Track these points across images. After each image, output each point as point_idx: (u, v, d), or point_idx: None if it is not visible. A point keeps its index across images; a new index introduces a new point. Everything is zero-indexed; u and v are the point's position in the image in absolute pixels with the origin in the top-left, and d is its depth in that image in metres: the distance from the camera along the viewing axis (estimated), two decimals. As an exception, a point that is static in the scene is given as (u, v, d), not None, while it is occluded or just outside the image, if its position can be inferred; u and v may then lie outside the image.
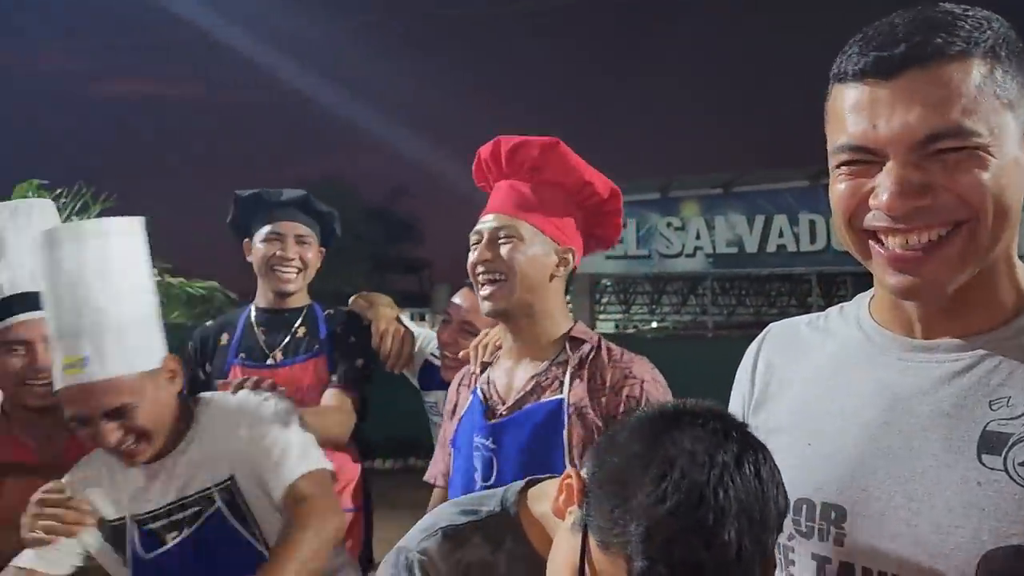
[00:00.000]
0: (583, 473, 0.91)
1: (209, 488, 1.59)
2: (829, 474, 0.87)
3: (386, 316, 2.39)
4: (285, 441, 1.60)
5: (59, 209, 4.52)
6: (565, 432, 1.46)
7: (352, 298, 2.52)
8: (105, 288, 1.53)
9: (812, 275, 18.16)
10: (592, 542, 0.85)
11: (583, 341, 1.56)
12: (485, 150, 1.67)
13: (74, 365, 1.48)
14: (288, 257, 2.26)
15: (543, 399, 1.51)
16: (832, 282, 18.97)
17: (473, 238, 1.67)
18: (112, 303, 1.53)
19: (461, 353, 1.99)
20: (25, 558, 1.54)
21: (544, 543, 1.01)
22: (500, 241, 1.60)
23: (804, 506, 0.89)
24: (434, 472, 1.78)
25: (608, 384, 1.47)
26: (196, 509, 1.59)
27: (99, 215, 4.75)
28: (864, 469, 0.85)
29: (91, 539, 1.59)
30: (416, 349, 2.39)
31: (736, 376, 1.07)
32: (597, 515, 0.85)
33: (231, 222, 2.37)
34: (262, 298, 2.35)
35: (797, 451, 0.90)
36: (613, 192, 1.66)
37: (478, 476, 1.53)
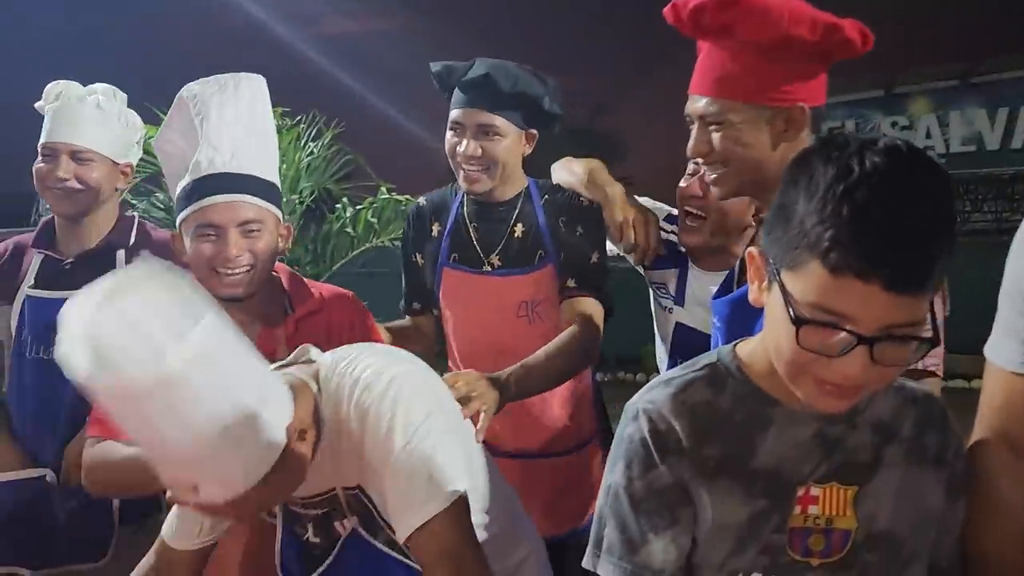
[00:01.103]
0: (759, 247, 1.02)
1: (334, 491, 1.34)
2: None
3: (620, 198, 2.02)
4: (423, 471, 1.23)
5: (298, 135, 4.97)
6: None
7: (557, 167, 2.16)
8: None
9: (1066, 173, 16.06)
10: (786, 278, 0.93)
11: None
12: (669, 15, 1.47)
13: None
14: (467, 154, 1.95)
15: None
16: (1091, 180, 16.67)
17: (688, 118, 1.51)
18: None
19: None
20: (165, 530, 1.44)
21: (766, 378, 1.04)
22: (710, 129, 1.45)
23: None
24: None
25: None
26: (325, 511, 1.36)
27: (330, 141, 5.11)
28: None
29: None
30: None
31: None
32: (782, 252, 0.94)
33: (446, 96, 2.05)
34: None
35: None
36: (828, 29, 1.38)
37: None
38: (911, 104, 17.34)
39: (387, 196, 5.04)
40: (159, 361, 0.94)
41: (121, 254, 2.17)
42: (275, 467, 1.13)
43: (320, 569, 1.37)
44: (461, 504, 1.24)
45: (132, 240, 2.23)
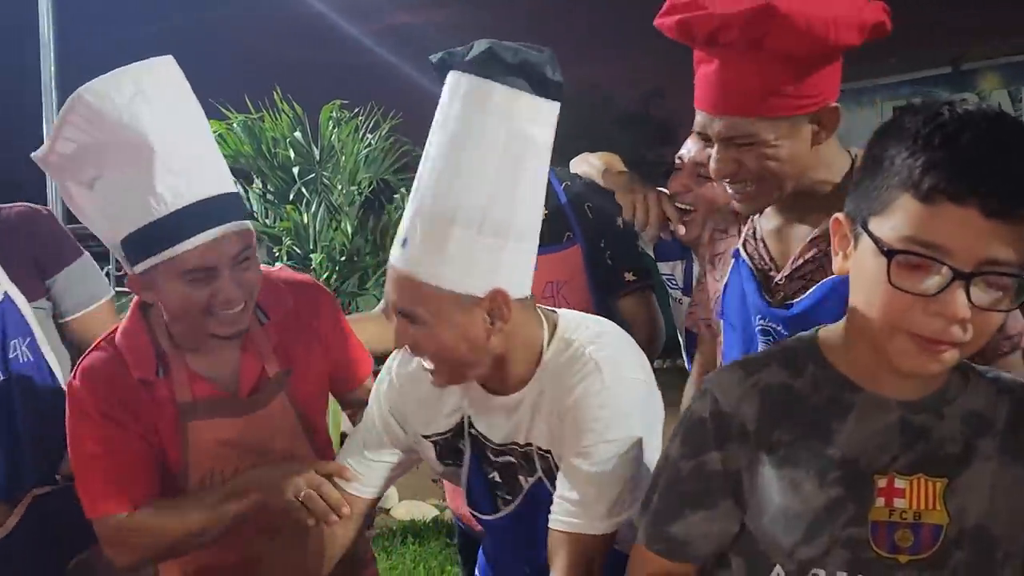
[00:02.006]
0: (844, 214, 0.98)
1: (531, 446, 1.33)
2: None
3: (624, 178, 1.98)
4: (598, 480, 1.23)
5: (356, 127, 5.05)
6: None
7: (576, 162, 2.09)
8: (494, 180, 1.21)
9: None
10: (874, 225, 0.90)
11: None
12: (673, 30, 1.29)
13: (397, 244, 1.25)
14: None
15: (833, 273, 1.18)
16: None
17: (698, 133, 1.36)
18: (493, 198, 1.21)
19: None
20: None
21: (848, 363, 1.00)
22: (739, 147, 1.30)
23: None
24: (694, 318, 1.61)
25: None
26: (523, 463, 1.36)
27: (388, 131, 5.17)
28: None
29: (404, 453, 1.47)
30: None
31: None
32: (869, 201, 0.91)
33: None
34: None
35: None
36: (875, 28, 1.25)
37: None
38: (980, 80, 16.60)
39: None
40: None
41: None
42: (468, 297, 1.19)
43: (507, 509, 1.40)
44: (607, 540, 1.24)
45: None
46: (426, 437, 1.44)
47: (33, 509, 1.73)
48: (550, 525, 1.26)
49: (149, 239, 1.34)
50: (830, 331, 1.05)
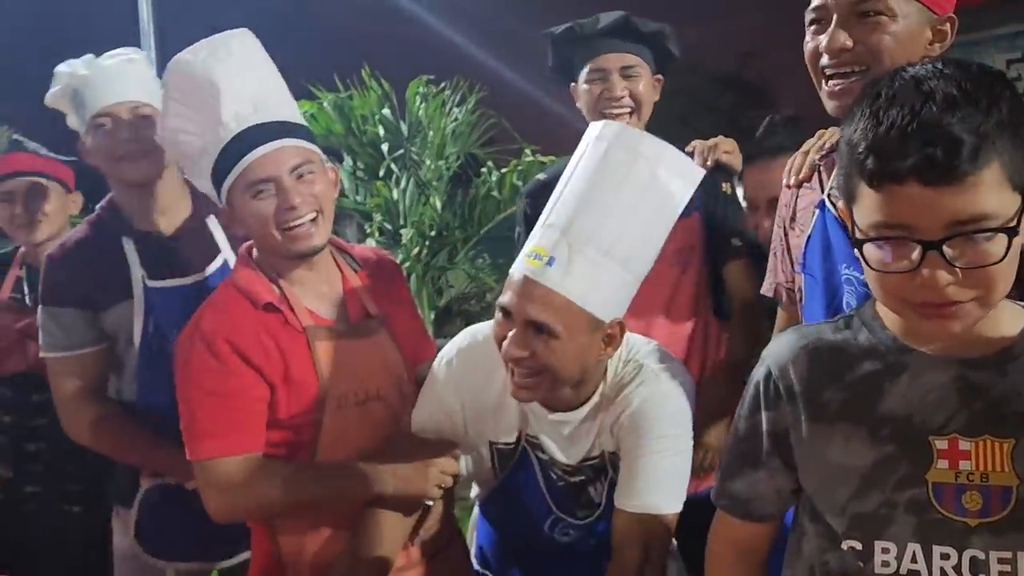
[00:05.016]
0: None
1: (604, 454, 1.45)
2: None
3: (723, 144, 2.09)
4: (654, 466, 1.36)
5: (442, 102, 5.08)
6: None
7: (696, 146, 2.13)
8: (631, 218, 1.32)
9: None
10: (855, 213, 0.93)
11: None
12: None
13: (539, 257, 1.31)
14: (615, 96, 1.95)
15: None
16: None
17: (812, 15, 1.29)
18: (627, 235, 1.32)
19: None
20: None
21: (902, 325, 0.99)
22: (862, 22, 1.24)
23: None
24: (771, 283, 1.60)
25: None
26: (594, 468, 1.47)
27: (474, 105, 5.18)
28: None
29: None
30: None
31: None
32: (843, 189, 0.96)
33: (553, 67, 2.08)
34: None
35: None
36: None
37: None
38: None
39: (532, 158, 5.07)
40: None
41: (213, 221, 1.89)
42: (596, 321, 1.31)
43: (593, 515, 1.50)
44: (670, 521, 1.36)
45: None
46: (492, 443, 1.50)
47: None
48: (618, 506, 1.37)
49: (221, 164, 1.48)
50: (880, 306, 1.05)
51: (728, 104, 22.69)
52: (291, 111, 1.56)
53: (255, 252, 1.56)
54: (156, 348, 1.75)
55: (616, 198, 1.32)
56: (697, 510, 1.33)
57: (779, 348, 1.08)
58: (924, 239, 0.86)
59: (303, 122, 1.57)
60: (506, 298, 1.33)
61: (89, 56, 1.86)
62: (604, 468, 1.46)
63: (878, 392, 0.99)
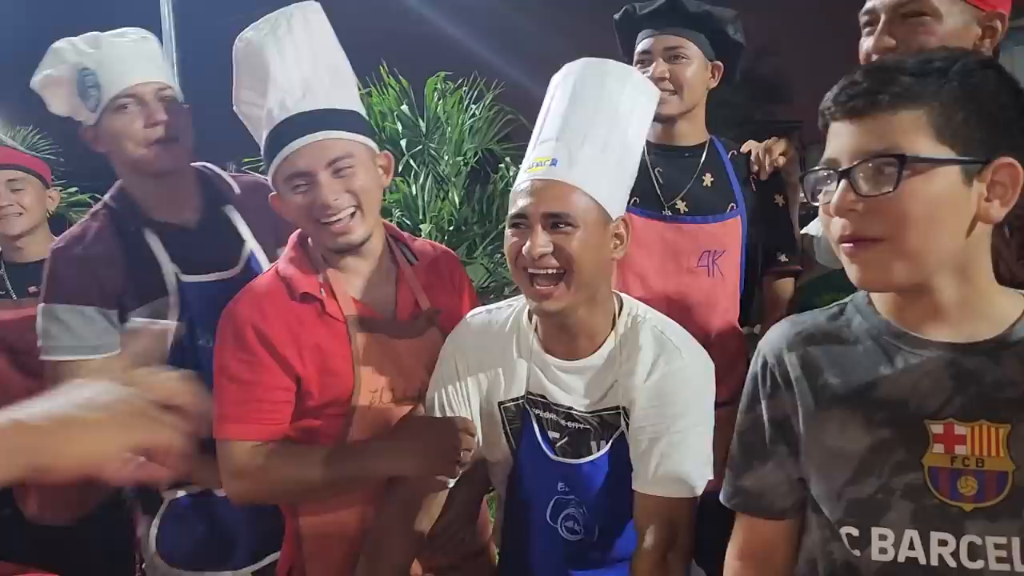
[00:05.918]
0: None
1: (618, 408, 1.43)
2: None
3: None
4: (681, 439, 1.36)
5: (460, 97, 5.10)
6: None
7: (748, 147, 2.08)
8: (615, 121, 1.39)
9: None
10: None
11: None
12: None
13: (541, 164, 1.37)
14: (655, 77, 1.87)
15: None
16: None
17: (865, 18, 1.36)
18: (615, 135, 1.39)
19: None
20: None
21: (897, 313, 1.02)
22: (908, 23, 1.29)
23: None
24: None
25: None
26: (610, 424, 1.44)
27: (491, 101, 5.21)
28: None
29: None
30: None
31: None
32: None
33: (623, 52, 2.05)
34: (650, 132, 1.79)
35: None
36: None
37: None
38: None
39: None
40: None
41: (231, 210, 1.83)
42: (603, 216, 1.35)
43: (597, 453, 1.47)
44: (692, 504, 1.38)
45: (236, 190, 1.89)
46: (500, 404, 1.51)
47: None
48: (638, 490, 1.38)
49: (267, 150, 1.49)
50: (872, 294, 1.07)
51: (744, 98, 22.58)
52: (343, 95, 1.51)
53: (305, 244, 1.57)
54: (193, 342, 1.68)
55: (597, 107, 1.39)
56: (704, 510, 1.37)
57: (774, 338, 1.10)
58: (837, 168, 0.96)
59: (355, 106, 1.53)
60: (518, 206, 1.35)
61: (93, 33, 1.72)
62: (615, 423, 1.43)
63: (873, 377, 1.00)
